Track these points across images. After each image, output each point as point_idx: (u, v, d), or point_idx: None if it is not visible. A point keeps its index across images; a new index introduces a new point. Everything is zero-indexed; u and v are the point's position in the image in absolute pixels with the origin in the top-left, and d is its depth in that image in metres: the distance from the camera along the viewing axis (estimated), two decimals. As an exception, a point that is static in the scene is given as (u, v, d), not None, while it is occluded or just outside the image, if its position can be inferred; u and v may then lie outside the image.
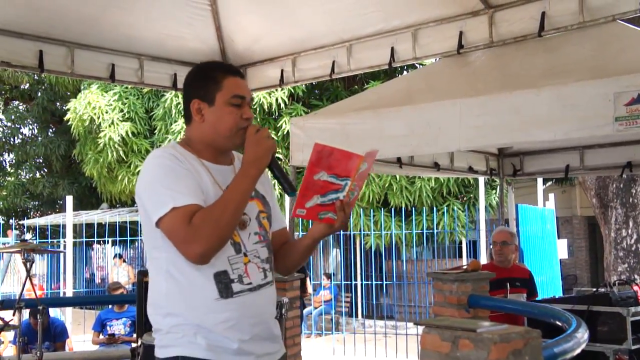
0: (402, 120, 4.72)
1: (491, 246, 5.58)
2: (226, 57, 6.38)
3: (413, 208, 11.33)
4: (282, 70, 6.20)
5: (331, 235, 11.92)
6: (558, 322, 3.18)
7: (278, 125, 12.68)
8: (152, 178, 2.07)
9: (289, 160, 5.54)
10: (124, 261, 14.93)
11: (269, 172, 2.17)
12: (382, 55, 5.55)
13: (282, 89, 12.01)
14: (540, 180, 12.30)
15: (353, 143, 5.03)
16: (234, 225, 2.04)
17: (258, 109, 12.59)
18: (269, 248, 2.21)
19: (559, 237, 12.71)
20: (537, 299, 5.34)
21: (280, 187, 2.16)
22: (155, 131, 13.49)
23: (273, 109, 12.59)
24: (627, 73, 3.64)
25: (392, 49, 5.44)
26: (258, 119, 12.83)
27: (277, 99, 12.39)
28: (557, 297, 6.95)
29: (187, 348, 2.04)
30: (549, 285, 10.30)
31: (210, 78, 2.16)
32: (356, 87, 13.49)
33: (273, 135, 12.59)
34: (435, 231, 11.48)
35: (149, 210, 2.04)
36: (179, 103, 12.70)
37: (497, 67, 4.81)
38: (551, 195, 12.56)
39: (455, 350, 1.80)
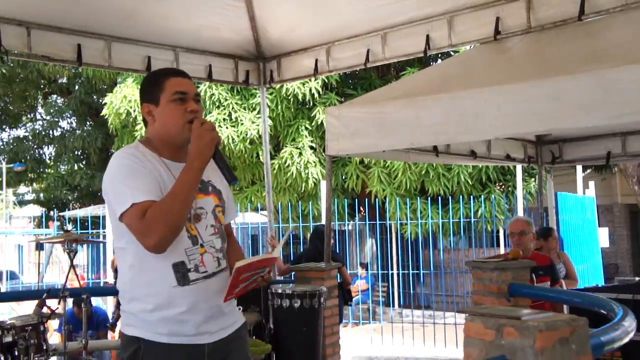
0: (438, 108, 4.67)
1: (508, 237, 5.44)
2: (260, 48, 6.42)
3: (450, 197, 11.25)
4: (316, 60, 6.20)
5: (367, 225, 11.85)
6: (603, 311, 3.13)
7: (312, 115, 12.70)
8: (115, 176, 2.27)
9: (324, 150, 5.54)
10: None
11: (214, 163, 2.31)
12: (417, 43, 5.51)
13: (315, 79, 12.01)
14: (579, 168, 12.09)
15: (389, 131, 5.01)
16: (184, 215, 2.23)
17: (292, 99, 12.61)
18: (222, 238, 2.43)
19: (599, 226, 12.49)
20: (578, 287, 5.27)
21: (222, 176, 2.35)
22: (191, 123, 13.63)
23: (307, 99, 12.60)
24: (671, 56, 3.56)
25: (428, 36, 5.41)
26: (292, 109, 12.84)
27: (310, 89, 12.39)
28: (599, 285, 6.84)
29: (149, 332, 2.27)
30: (590, 274, 10.14)
31: (154, 82, 2.39)
32: (390, 75, 13.42)
33: (307, 125, 12.63)
34: (473, 220, 11.37)
35: (113, 205, 2.25)
36: (212, 94, 12.79)
37: (536, 53, 4.73)
38: (591, 183, 12.34)
39: (500, 338, 1.80)
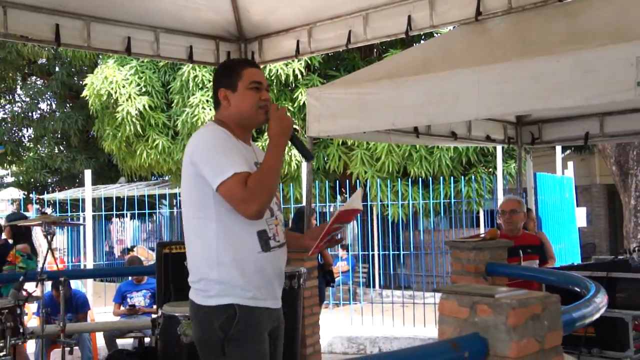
0: (419, 89, 4.68)
1: (499, 215, 5.52)
2: (241, 28, 6.36)
3: (430, 178, 11.30)
4: (297, 41, 6.15)
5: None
6: (577, 288, 3.18)
7: (294, 97, 12.64)
8: (211, 148, 2.49)
9: (305, 132, 5.53)
10: (134, 246, 15.06)
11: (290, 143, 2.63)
12: (399, 24, 5.48)
13: (298, 60, 11.94)
14: (559, 149, 12.18)
15: (370, 113, 5.02)
16: (276, 186, 2.53)
17: (275, 81, 12.55)
18: (281, 214, 2.73)
19: (577, 206, 12.63)
20: (555, 265, 5.33)
21: (300, 154, 2.65)
22: (173, 104, 13.51)
23: (290, 80, 12.54)
24: (649, 37, 3.58)
25: (409, 17, 5.38)
26: (274, 90, 12.80)
27: (293, 70, 12.32)
28: (575, 264, 6.94)
29: (240, 298, 2.48)
30: (567, 253, 10.27)
31: (233, 70, 2.67)
32: (373, 57, 13.38)
33: (290, 107, 12.59)
34: (453, 201, 11.44)
35: (207, 175, 2.45)
36: (196, 76, 12.68)
37: (516, 33, 4.74)
38: (570, 164, 12.46)
39: (474, 315, 1.81)
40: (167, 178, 16.68)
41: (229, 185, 2.40)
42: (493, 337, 1.78)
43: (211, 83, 11.68)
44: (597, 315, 2.55)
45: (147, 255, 14.03)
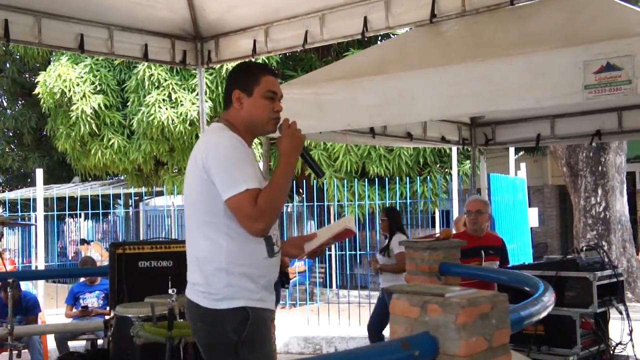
0: (375, 90, 4.70)
1: (465, 215, 5.62)
2: (198, 27, 6.29)
3: (386, 179, 11.37)
4: (254, 41, 6.12)
5: (305, 207, 11.81)
6: (526, 287, 3.23)
7: (252, 97, 12.57)
8: (226, 158, 2.47)
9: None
10: (92, 241, 14.77)
11: (301, 158, 2.69)
12: (355, 25, 5.49)
13: (255, 60, 11.87)
14: (512, 150, 12.40)
15: (326, 113, 5.02)
16: (284, 204, 2.61)
17: (232, 80, 12.46)
18: None
19: (530, 206, 12.87)
20: (507, 266, 5.42)
21: (312, 171, 2.74)
22: (128, 103, 13.31)
23: (247, 80, 12.46)
24: (596, 41, 3.66)
25: (365, 18, 5.40)
26: (232, 91, 12.71)
27: (250, 70, 12.25)
28: (527, 263, 7.07)
29: (251, 300, 2.52)
30: (519, 253, 10.45)
31: (251, 74, 2.64)
32: (331, 57, 13.41)
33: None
34: (409, 201, 11.53)
35: (218, 184, 2.45)
36: (152, 75, 12.51)
37: (470, 36, 4.79)
38: (522, 165, 12.69)
39: (424, 315, 1.82)
40: (122, 178, 16.41)
41: (238, 200, 2.41)
42: (443, 336, 1.79)
43: (167, 82, 11.50)
44: (544, 314, 2.60)
45: (101, 252, 13.78)
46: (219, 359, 2.54)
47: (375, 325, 6.87)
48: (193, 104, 12.35)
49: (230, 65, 11.83)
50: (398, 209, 11.98)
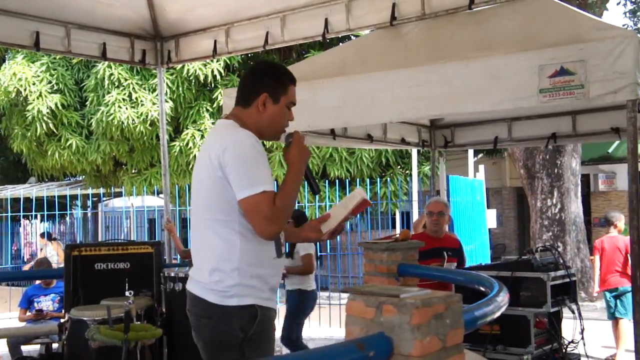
0: (335, 91, 4.71)
1: (425, 216, 5.66)
2: (157, 27, 6.23)
3: (347, 180, 11.42)
4: (215, 41, 6.09)
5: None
6: (482, 288, 3.27)
7: (213, 97, 12.50)
8: (246, 158, 2.46)
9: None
10: (54, 239, 14.44)
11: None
12: (316, 26, 5.51)
13: (217, 60, 11.81)
14: (471, 152, 12.57)
15: (286, 114, 5.01)
16: (292, 210, 2.62)
17: (193, 81, 12.37)
18: None
19: (488, 208, 13.06)
20: (465, 266, 5.48)
21: (308, 186, 2.76)
22: (87, 103, 13.08)
23: (208, 81, 12.38)
24: (551, 46, 3.74)
25: (326, 20, 5.42)
26: (193, 91, 12.62)
27: (212, 70, 12.18)
28: (484, 264, 7.17)
29: (260, 299, 2.54)
30: (477, 254, 10.59)
31: (281, 83, 2.68)
32: (292, 59, 13.40)
33: (208, 107, 12.44)
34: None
35: (234, 183, 2.44)
36: (111, 74, 12.33)
37: (429, 39, 4.84)
38: (481, 167, 12.87)
39: (380, 315, 1.82)
40: (80, 178, 16.12)
41: (255, 201, 2.41)
42: (398, 337, 1.80)
43: (127, 81, 11.25)
44: (498, 313, 2.64)
45: (58, 252, 13.51)
46: (221, 356, 2.54)
47: (289, 330, 6.62)
48: (154, 104, 12.20)
49: (192, 66, 11.77)
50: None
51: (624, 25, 21.63)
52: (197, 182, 2.60)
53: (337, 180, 11.65)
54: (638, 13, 20.09)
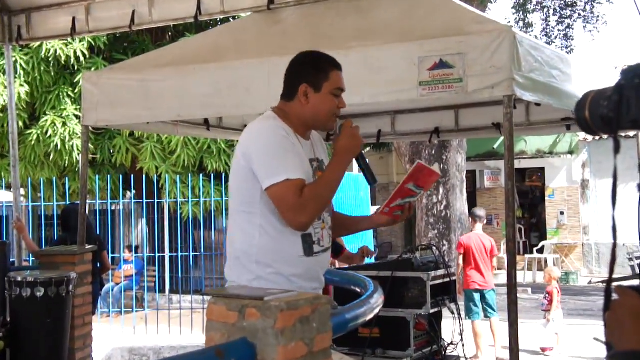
0: (207, 78, 4.66)
1: None
2: (6, -1, 5.89)
3: (222, 175, 11.34)
4: (74, 18, 5.85)
5: (134, 204, 11.47)
6: (358, 289, 3.34)
7: (75, 81, 11.98)
8: (266, 147, 2.50)
9: (80, 120, 5.26)
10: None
11: (356, 163, 2.73)
12: (188, 8, 5.44)
13: (80, 40, 11.35)
14: (356, 147, 12.80)
15: (154, 102, 4.91)
16: (331, 201, 2.64)
17: (53, 62, 11.81)
18: (331, 216, 2.76)
19: (375, 204, 13.39)
20: (345, 266, 5.59)
21: (363, 177, 2.76)
22: None
23: (70, 62, 11.86)
24: (431, 38, 3.88)
25: (199, 0, 5.34)
26: (52, 74, 12.05)
27: (75, 51, 11.68)
28: (364, 264, 7.34)
29: None
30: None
31: (321, 69, 2.65)
32: (166, 41, 13.11)
33: (70, 92, 11.94)
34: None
35: (258, 173, 2.48)
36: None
37: (308, 26, 4.89)
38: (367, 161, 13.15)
39: (242, 320, 1.83)
40: None
41: (280, 190, 2.44)
42: (262, 342, 1.80)
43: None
44: (371, 315, 2.70)
45: None
46: None
47: None
48: (6, 88, 11.51)
49: (51, 45, 11.23)
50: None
51: (505, 19, 22.65)
52: (231, 175, 2.68)
53: (212, 175, 11.53)
54: (527, 6, 21.06)
